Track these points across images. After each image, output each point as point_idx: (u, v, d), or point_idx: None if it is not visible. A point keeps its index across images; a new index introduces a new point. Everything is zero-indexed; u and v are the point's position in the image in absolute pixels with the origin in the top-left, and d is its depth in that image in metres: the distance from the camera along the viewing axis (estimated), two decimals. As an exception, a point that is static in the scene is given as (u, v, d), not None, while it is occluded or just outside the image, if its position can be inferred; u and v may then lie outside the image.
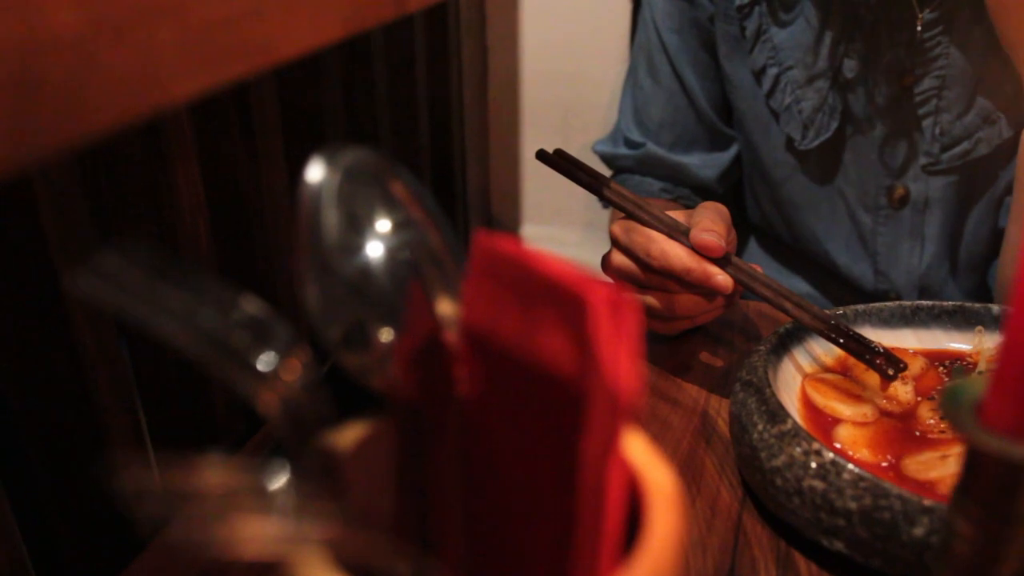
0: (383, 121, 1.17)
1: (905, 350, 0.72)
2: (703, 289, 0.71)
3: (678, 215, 0.73)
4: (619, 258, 0.75)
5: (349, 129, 1.08)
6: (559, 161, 0.73)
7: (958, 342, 0.72)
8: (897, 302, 0.74)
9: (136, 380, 0.68)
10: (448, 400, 0.29)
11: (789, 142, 0.95)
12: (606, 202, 0.74)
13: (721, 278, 0.69)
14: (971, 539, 0.34)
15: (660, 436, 0.68)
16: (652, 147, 1.02)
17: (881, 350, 0.67)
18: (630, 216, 0.73)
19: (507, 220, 1.69)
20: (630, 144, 1.05)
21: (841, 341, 0.67)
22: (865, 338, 0.68)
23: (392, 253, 0.30)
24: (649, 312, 0.76)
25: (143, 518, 0.22)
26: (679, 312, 0.74)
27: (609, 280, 0.24)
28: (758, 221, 1.07)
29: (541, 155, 0.73)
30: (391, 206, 0.30)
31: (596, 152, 1.09)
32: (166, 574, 0.56)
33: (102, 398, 0.64)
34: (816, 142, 0.93)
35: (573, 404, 0.24)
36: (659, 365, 0.78)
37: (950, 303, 0.74)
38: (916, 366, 0.70)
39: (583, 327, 0.23)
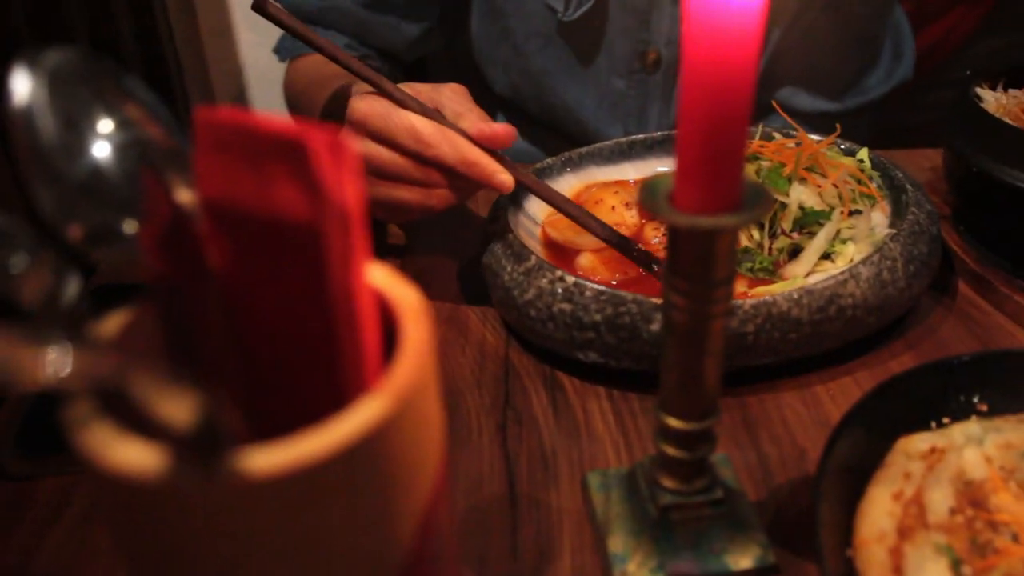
0: (73, 9, 1.07)
1: (626, 181, 0.79)
2: (468, 183, 0.65)
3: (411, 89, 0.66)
4: (372, 147, 0.65)
5: (36, 24, 0.98)
6: (277, 15, 0.64)
7: (669, 166, 0.80)
8: (615, 140, 0.81)
9: None
10: (203, 274, 0.31)
11: (549, 13, 0.95)
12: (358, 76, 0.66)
13: (504, 176, 0.64)
14: (684, 307, 0.40)
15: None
16: None
17: (638, 248, 0.69)
18: (381, 92, 0.65)
19: (230, 93, 1.61)
20: None
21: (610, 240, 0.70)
22: (625, 237, 0.70)
23: (116, 148, 0.30)
24: (376, 203, 0.68)
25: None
26: (437, 206, 0.67)
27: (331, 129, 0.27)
28: (506, 93, 1.06)
29: (257, 7, 0.64)
30: (106, 102, 0.31)
31: None
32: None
33: None
34: (578, 13, 0.94)
35: (316, 241, 0.27)
36: (412, 246, 0.81)
37: (659, 133, 0.81)
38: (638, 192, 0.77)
39: (308, 170, 0.25)
